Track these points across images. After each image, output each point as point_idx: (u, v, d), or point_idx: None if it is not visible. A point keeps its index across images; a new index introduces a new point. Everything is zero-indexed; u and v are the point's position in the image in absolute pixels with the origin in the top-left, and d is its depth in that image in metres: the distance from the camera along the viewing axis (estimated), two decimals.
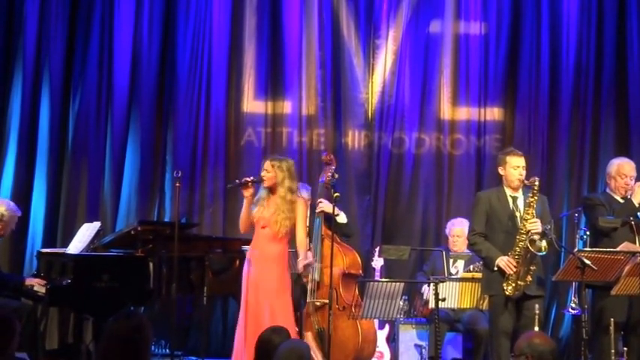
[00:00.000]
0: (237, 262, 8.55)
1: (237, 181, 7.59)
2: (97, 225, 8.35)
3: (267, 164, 7.35)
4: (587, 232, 8.09)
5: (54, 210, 9.69)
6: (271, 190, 7.28)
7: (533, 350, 4.81)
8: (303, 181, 9.29)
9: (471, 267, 8.28)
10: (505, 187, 7.28)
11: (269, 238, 7.22)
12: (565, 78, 9.90)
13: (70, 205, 9.71)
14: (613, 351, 7.30)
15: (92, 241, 8.15)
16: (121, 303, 7.59)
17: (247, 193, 7.35)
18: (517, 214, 7.16)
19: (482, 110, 9.99)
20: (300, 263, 7.34)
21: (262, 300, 7.15)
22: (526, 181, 7.14)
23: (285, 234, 7.23)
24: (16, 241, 9.45)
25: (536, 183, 7.06)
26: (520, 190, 7.24)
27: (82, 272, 7.72)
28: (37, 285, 7.96)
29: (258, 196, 7.34)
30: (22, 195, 9.55)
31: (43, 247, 9.25)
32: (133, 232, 8.26)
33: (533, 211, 7.03)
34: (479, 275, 7.67)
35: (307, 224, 7.55)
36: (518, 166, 7.22)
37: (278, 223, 7.19)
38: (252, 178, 7.40)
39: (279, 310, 7.15)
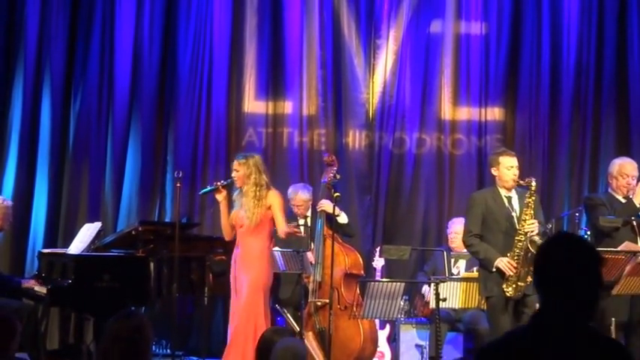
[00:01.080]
0: None
1: (208, 187, 7.64)
2: (97, 225, 8.36)
3: (234, 164, 7.44)
4: (589, 232, 8.09)
5: (55, 210, 9.70)
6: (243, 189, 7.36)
7: None
8: (303, 181, 9.33)
9: (474, 269, 8.27)
10: (499, 188, 7.28)
11: (247, 235, 7.30)
12: (566, 78, 9.89)
13: (71, 206, 9.72)
14: None
15: (93, 242, 8.16)
16: (122, 303, 7.61)
17: (220, 197, 7.42)
18: (513, 214, 7.16)
19: (483, 110, 9.98)
20: (285, 230, 7.43)
21: (240, 298, 7.25)
22: (521, 181, 7.14)
23: (257, 226, 7.27)
24: (18, 241, 9.48)
25: (533, 183, 7.07)
26: (513, 190, 7.24)
27: (83, 272, 7.72)
28: (35, 285, 7.97)
29: (233, 198, 7.41)
30: (23, 195, 9.57)
31: (44, 247, 9.26)
32: (133, 233, 8.27)
33: (532, 212, 7.04)
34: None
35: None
36: (512, 166, 7.22)
37: (249, 218, 7.25)
38: (222, 181, 7.52)
39: (249, 306, 7.23)
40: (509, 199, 7.23)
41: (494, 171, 7.31)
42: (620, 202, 7.64)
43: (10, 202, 8.46)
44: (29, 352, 7.72)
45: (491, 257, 7.07)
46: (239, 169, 7.36)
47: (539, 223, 7.07)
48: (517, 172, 7.21)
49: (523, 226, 7.01)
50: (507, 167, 7.21)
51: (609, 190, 7.82)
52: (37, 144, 9.70)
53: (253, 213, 7.28)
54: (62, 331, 8.93)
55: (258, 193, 7.28)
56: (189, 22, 9.93)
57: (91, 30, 9.84)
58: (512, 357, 2.89)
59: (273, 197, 7.41)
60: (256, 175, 7.33)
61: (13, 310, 7.09)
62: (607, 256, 6.92)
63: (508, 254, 7.03)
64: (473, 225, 7.29)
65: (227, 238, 7.58)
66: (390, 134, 9.92)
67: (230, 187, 7.43)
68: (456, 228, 8.80)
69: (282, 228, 7.40)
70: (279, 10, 10.01)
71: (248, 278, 7.27)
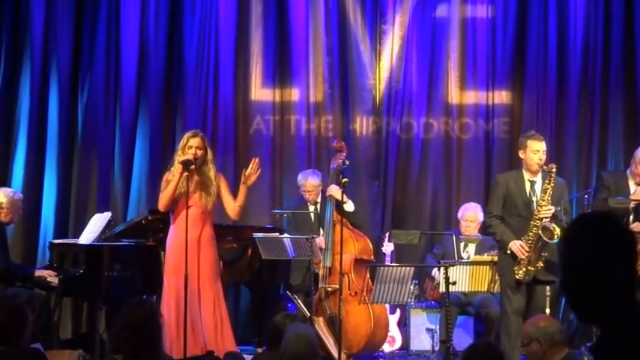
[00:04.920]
0: (250, 250, 8.57)
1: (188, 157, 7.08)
2: (107, 215, 8.39)
3: (197, 140, 7.09)
4: None
5: (65, 201, 9.72)
6: (197, 168, 7.09)
7: (544, 333, 4.80)
8: (311, 167, 9.34)
9: (486, 254, 8.29)
10: (524, 171, 7.34)
11: (205, 217, 7.18)
12: (573, 59, 9.86)
13: (81, 196, 9.74)
14: None
15: (103, 231, 8.20)
16: (134, 292, 7.66)
17: (187, 171, 7.00)
18: (533, 198, 7.21)
19: (491, 94, 9.96)
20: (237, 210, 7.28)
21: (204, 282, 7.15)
22: (544, 167, 7.17)
23: (213, 208, 7.22)
24: (29, 232, 9.51)
25: (553, 170, 7.10)
26: (539, 175, 7.27)
27: (94, 262, 7.77)
28: (48, 276, 8.02)
29: (175, 175, 7.05)
30: (33, 187, 9.59)
31: (55, 238, 9.29)
32: (143, 222, 8.31)
33: (549, 198, 7.08)
34: (489, 259, 7.71)
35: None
36: (538, 151, 7.26)
37: (211, 200, 7.14)
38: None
39: (218, 293, 7.17)
40: (532, 183, 7.28)
41: (521, 154, 7.36)
42: (628, 188, 7.57)
43: (20, 195, 8.50)
44: (42, 341, 7.75)
45: (506, 239, 7.20)
46: (201, 147, 7.11)
47: (564, 210, 7.11)
48: (543, 157, 7.26)
49: (539, 211, 7.06)
50: (534, 151, 7.25)
51: (627, 172, 7.77)
52: (46, 136, 9.72)
53: (214, 194, 7.15)
54: (75, 320, 9.00)
55: (215, 173, 7.16)
56: (195, 12, 9.93)
57: (96, 21, 9.84)
58: None
59: (223, 179, 7.30)
60: (210, 153, 7.22)
61: (25, 300, 7.12)
62: None
63: (522, 238, 7.09)
64: (493, 206, 7.41)
65: (165, 209, 7.22)
66: (398, 119, 9.92)
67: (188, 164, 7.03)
68: (470, 216, 8.81)
69: (232, 207, 7.23)
70: None
71: (210, 263, 7.16)
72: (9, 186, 9.07)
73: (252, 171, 7.14)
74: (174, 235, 7.19)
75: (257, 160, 7.24)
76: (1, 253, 8.10)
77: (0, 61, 9.73)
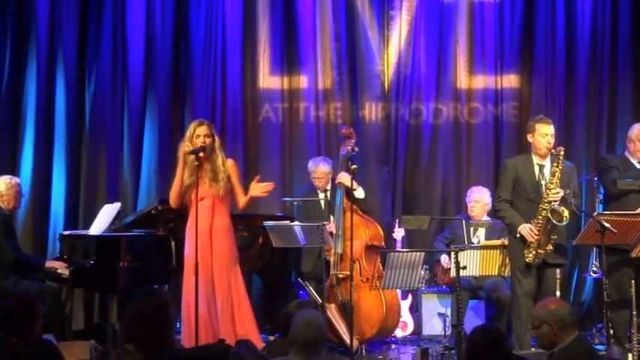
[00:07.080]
0: (260, 238, 8.57)
1: (199, 146, 7.07)
2: (117, 206, 8.41)
3: (204, 128, 7.07)
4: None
5: (74, 192, 9.72)
6: (206, 157, 7.08)
7: (555, 316, 4.81)
8: (321, 154, 9.34)
9: (495, 239, 8.27)
10: (533, 155, 7.36)
11: (219, 205, 7.15)
12: (581, 42, 9.82)
13: (90, 187, 9.74)
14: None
15: (113, 222, 8.22)
16: (145, 282, 7.69)
17: (197, 161, 7.02)
18: (542, 182, 7.22)
19: (499, 78, 9.93)
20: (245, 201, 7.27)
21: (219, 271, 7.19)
22: (553, 150, 7.18)
23: (226, 195, 7.19)
24: (39, 224, 9.53)
25: (562, 152, 7.10)
26: (548, 158, 7.27)
27: (105, 253, 7.79)
28: (59, 267, 8.04)
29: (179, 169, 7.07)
30: (42, 179, 9.60)
31: (65, 229, 9.30)
32: (153, 212, 8.32)
33: (558, 181, 7.09)
34: (499, 243, 7.72)
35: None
36: (547, 134, 7.27)
37: (221, 187, 7.10)
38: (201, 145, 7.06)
39: (233, 279, 7.20)
40: (541, 167, 7.30)
41: (529, 137, 7.38)
42: (634, 167, 7.66)
43: (17, 180, 8.47)
44: (55, 333, 7.80)
45: (516, 223, 7.23)
46: (209, 134, 7.08)
47: (573, 193, 7.12)
48: (552, 140, 7.29)
49: (548, 194, 7.06)
50: (542, 135, 7.28)
51: (625, 153, 7.85)
52: (53, 127, 9.71)
53: (223, 180, 7.12)
54: (87, 311, 9.04)
55: (223, 160, 7.14)
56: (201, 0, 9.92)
57: (102, 11, 9.81)
58: None
59: (234, 167, 7.26)
60: (218, 141, 7.19)
61: (36, 293, 7.16)
62: (625, 219, 6.93)
63: (532, 221, 7.10)
64: (502, 191, 7.44)
65: (176, 205, 7.25)
66: (407, 105, 9.90)
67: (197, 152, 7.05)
68: (475, 197, 8.85)
69: (243, 198, 7.23)
70: None
71: (225, 252, 7.15)
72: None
73: (261, 190, 7.19)
74: (187, 228, 7.21)
75: (272, 185, 7.33)
76: (10, 243, 8.12)
77: (6, 53, 9.72)
